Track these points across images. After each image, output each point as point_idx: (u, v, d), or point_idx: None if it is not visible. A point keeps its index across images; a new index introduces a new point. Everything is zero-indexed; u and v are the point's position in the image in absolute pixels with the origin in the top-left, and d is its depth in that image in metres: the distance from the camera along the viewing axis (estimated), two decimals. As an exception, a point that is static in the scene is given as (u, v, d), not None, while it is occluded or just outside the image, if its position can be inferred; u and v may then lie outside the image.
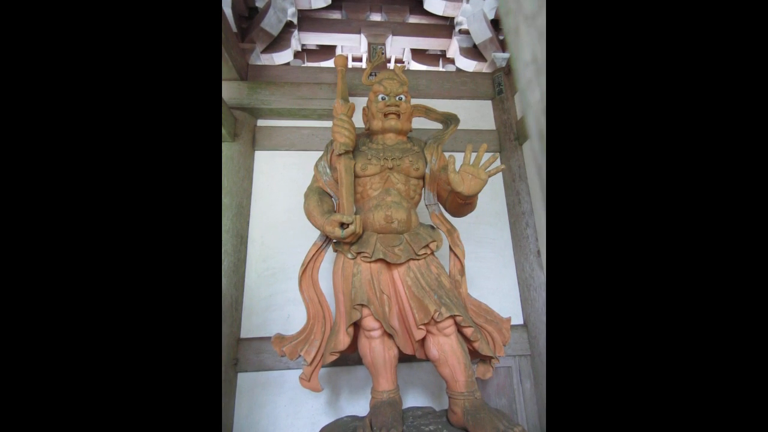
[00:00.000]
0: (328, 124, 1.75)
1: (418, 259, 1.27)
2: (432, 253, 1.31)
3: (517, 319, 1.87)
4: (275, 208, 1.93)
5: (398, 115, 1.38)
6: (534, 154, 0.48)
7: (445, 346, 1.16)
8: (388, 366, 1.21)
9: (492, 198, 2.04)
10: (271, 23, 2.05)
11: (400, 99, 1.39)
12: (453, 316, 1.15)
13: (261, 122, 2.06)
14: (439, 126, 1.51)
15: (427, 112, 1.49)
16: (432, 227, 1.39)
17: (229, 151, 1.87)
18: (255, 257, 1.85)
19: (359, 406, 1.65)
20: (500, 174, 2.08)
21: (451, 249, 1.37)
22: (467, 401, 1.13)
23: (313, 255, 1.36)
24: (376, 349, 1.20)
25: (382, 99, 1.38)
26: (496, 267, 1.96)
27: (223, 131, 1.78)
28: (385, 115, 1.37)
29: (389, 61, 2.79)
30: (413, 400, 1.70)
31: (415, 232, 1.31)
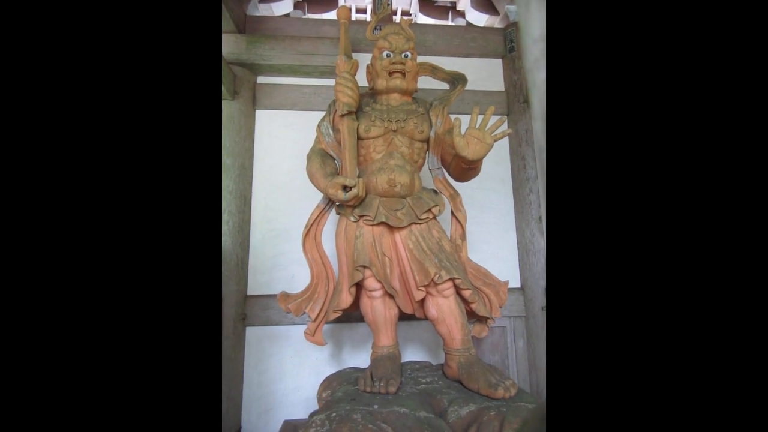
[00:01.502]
0: (331, 82, 1.69)
1: (420, 223, 1.28)
2: (434, 217, 1.31)
3: (515, 283, 1.93)
4: (278, 169, 1.91)
5: (404, 74, 1.32)
6: (536, 136, 0.47)
7: (444, 306, 1.21)
8: (388, 324, 1.27)
9: (497, 163, 2.01)
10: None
11: (406, 56, 1.32)
12: (452, 279, 1.18)
13: (261, 79, 1.99)
14: (445, 86, 1.45)
15: (434, 71, 1.43)
16: (435, 191, 1.38)
17: (229, 109, 1.82)
18: (259, 218, 1.87)
19: (361, 359, 1.75)
20: (506, 138, 2.03)
21: (453, 214, 1.38)
22: (462, 357, 1.20)
23: (317, 217, 1.38)
24: (378, 308, 1.25)
25: (387, 56, 1.32)
26: (497, 232, 1.97)
27: (223, 88, 1.72)
28: (390, 73, 1.31)
29: (395, 13, 2.62)
30: (412, 355, 1.80)
31: (417, 196, 1.30)
